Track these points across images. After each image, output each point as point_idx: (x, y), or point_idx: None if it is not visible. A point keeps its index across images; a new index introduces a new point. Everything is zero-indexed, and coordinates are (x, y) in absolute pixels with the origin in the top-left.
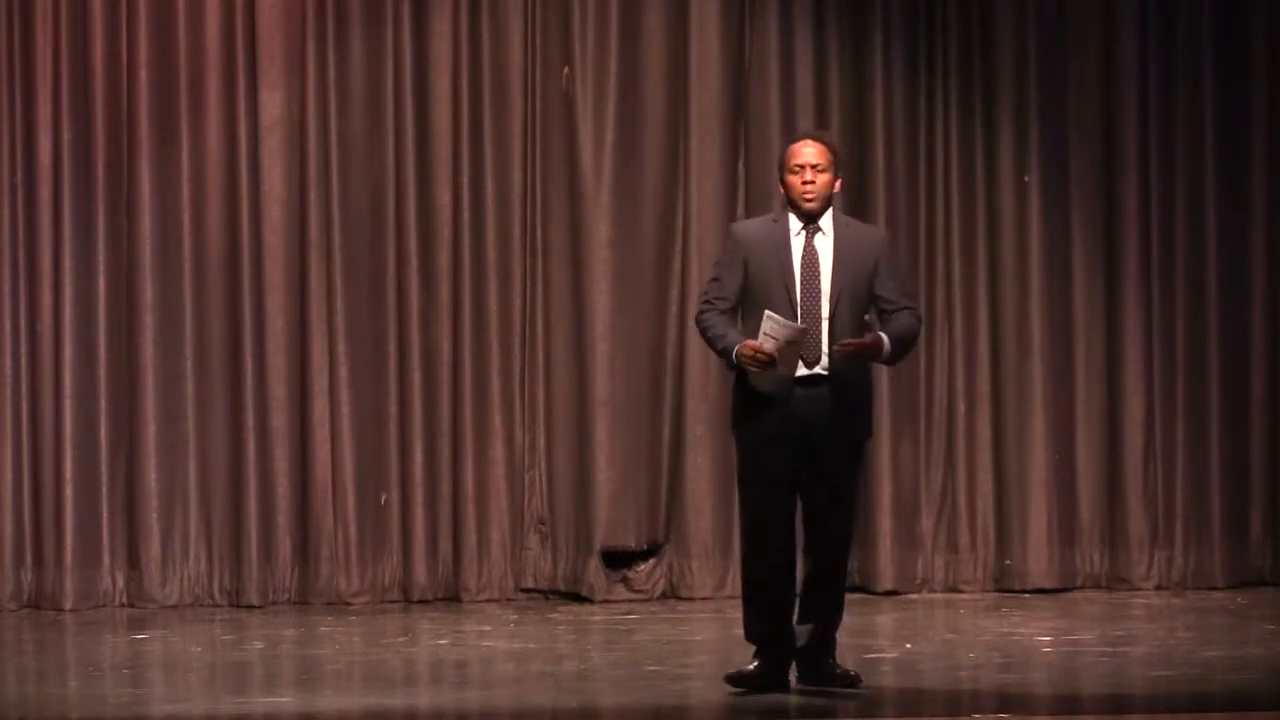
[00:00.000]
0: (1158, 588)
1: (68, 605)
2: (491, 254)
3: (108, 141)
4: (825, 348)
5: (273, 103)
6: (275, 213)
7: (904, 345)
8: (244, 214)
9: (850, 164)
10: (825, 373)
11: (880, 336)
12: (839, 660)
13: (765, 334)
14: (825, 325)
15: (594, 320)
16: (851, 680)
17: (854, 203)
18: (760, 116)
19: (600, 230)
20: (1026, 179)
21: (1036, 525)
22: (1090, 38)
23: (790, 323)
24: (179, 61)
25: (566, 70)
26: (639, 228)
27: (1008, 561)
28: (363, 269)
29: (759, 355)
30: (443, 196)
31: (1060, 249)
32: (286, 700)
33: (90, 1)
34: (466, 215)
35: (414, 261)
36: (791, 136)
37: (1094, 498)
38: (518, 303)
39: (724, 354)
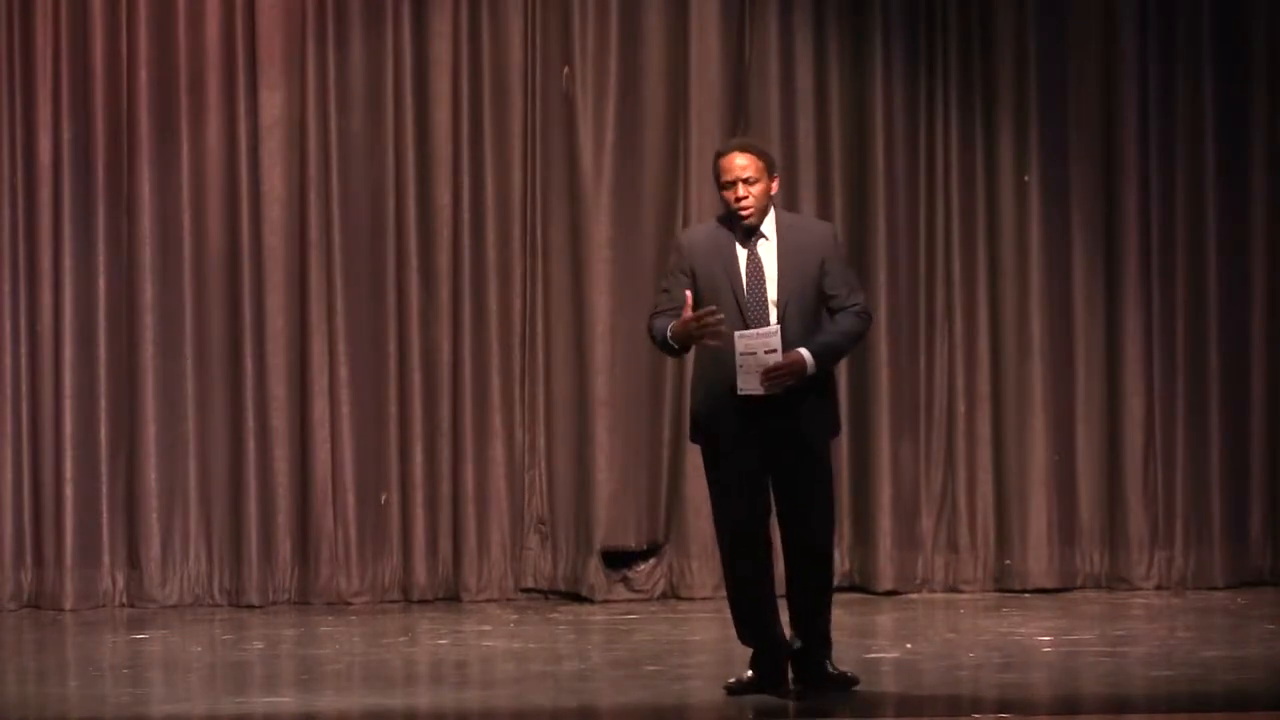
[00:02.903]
0: (1158, 588)
1: (68, 605)
2: (491, 254)
3: (108, 141)
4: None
5: (273, 103)
6: (275, 213)
7: (836, 351)
8: (244, 214)
9: (850, 164)
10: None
11: (800, 354)
12: (837, 659)
13: (742, 354)
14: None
15: (594, 320)
16: (848, 681)
17: (854, 202)
18: (760, 116)
19: (600, 230)
20: (1026, 179)
21: (1036, 525)
22: (1090, 38)
23: (763, 330)
24: (179, 61)
25: (566, 70)
26: (639, 228)
27: (1008, 561)
28: (363, 269)
29: (705, 320)
30: (443, 196)
31: (1060, 249)
32: (286, 700)
33: (90, 1)
34: (466, 215)
35: (414, 261)
36: (719, 148)
37: (1094, 498)
38: (518, 303)
39: (663, 344)
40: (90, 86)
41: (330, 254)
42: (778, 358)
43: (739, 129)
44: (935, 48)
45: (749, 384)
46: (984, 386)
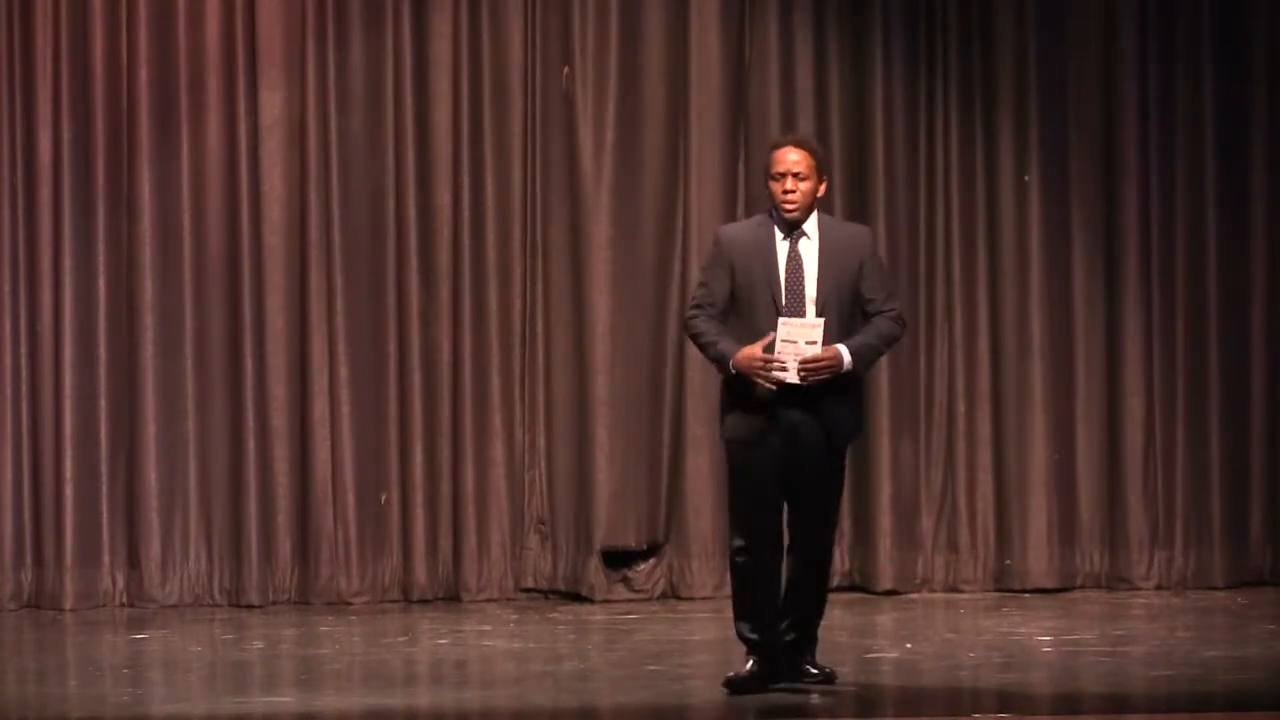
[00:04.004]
0: (1158, 588)
1: (68, 605)
2: (491, 254)
3: (108, 141)
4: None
5: (273, 103)
6: (275, 213)
7: (873, 353)
8: (244, 214)
9: (850, 164)
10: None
11: (839, 350)
12: (836, 660)
13: (783, 340)
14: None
15: (594, 320)
16: (826, 677)
17: (854, 202)
18: (760, 116)
19: (600, 230)
20: (1026, 179)
21: (1036, 525)
22: (1090, 38)
23: (807, 320)
24: (179, 61)
25: (566, 70)
26: (639, 228)
27: (1008, 561)
28: (363, 269)
29: (772, 367)
30: (443, 196)
31: (1060, 249)
32: (286, 700)
33: (90, 1)
34: (466, 215)
35: (414, 261)
36: (776, 140)
37: (1094, 498)
38: (518, 303)
39: (718, 361)
40: (90, 86)
41: (330, 254)
42: (817, 350)
43: (739, 129)
44: (935, 48)
45: (786, 373)
46: (984, 386)
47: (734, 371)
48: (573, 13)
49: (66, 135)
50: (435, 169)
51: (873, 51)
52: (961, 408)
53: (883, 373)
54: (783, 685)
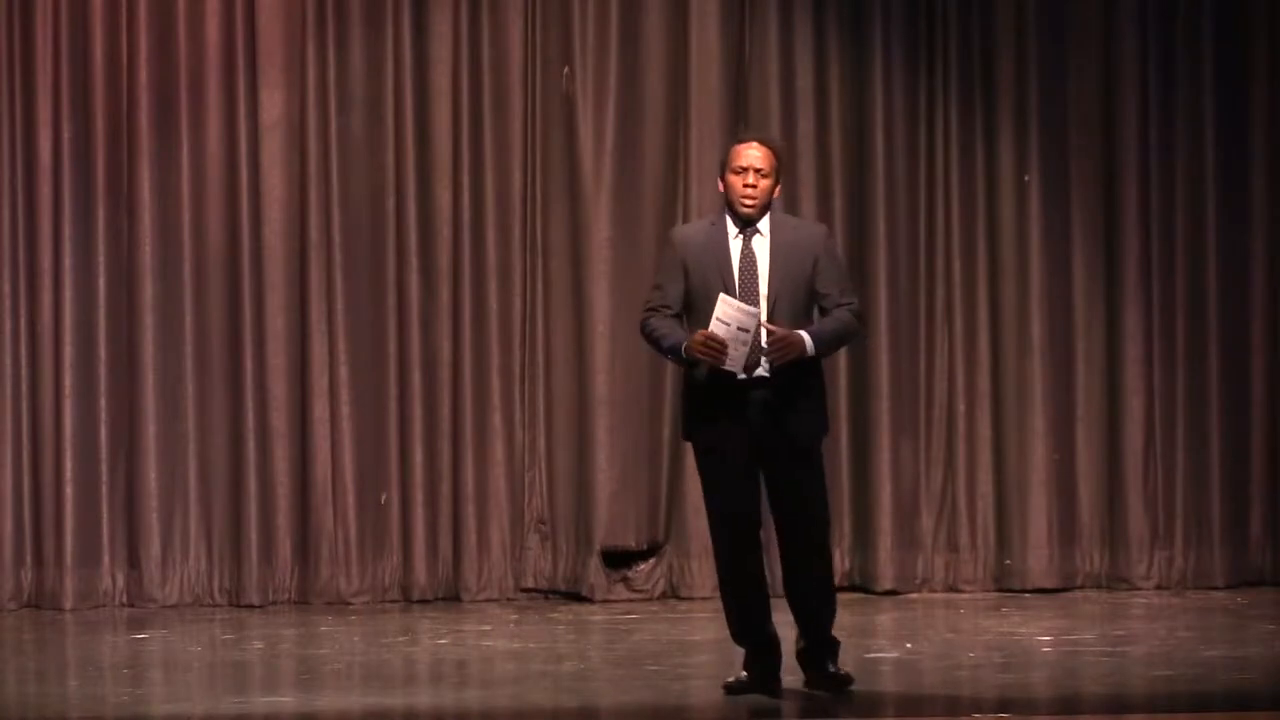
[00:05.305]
0: (1158, 588)
1: (68, 605)
2: (491, 254)
3: (108, 141)
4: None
5: (273, 103)
6: (275, 213)
7: (833, 341)
8: (244, 214)
9: (850, 163)
10: (768, 375)
11: (800, 334)
12: (841, 661)
13: (717, 319)
14: (763, 328)
15: (594, 320)
16: (843, 681)
17: (854, 202)
18: (760, 116)
19: (600, 230)
20: (1026, 179)
21: (1036, 525)
22: (1090, 38)
23: (745, 306)
24: (179, 61)
25: (566, 70)
26: (639, 227)
27: (1008, 561)
28: (363, 269)
29: (710, 342)
30: (443, 196)
31: (1060, 249)
32: (286, 700)
33: (90, 1)
34: (466, 215)
35: (414, 261)
36: (738, 136)
37: (1094, 498)
38: (518, 303)
39: (672, 351)
40: (90, 86)
41: (330, 254)
42: (748, 338)
43: (739, 129)
44: (935, 48)
45: (724, 361)
46: (984, 386)
47: (686, 357)
48: (573, 13)
49: (66, 135)
50: (435, 169)
51: (873, 51)
52: (961, 408)
53: (883, 372)
54: (783, 686)
